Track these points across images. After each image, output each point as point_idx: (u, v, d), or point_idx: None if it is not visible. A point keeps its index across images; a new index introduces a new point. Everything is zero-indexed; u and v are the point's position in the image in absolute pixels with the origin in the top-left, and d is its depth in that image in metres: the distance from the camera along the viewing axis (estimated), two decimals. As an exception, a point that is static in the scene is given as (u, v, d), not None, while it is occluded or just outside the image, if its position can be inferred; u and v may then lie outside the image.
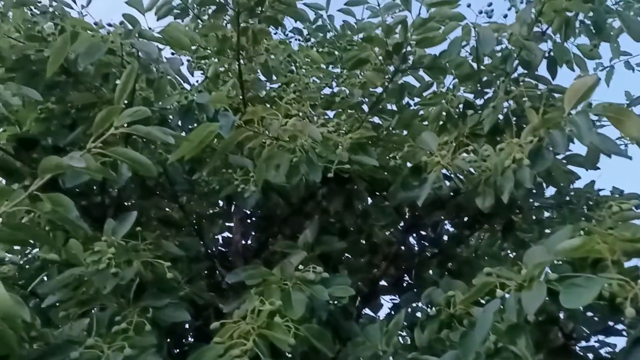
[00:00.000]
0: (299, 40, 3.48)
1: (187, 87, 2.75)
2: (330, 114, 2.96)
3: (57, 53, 2.12)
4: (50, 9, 2.52)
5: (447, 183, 2.16)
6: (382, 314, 2.69)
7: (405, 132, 2.66)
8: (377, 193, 2.47)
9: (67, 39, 2.12)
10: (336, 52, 3.41)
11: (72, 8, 2.61)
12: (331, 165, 2.02)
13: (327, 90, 3.18)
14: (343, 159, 2.04)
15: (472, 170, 2.00)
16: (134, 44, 2.14)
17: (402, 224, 2.61)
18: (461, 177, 1.98)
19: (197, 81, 3.19)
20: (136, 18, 2.25)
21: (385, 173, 2.29)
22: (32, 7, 2.49)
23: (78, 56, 2.10)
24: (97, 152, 1.51)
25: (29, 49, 2.36)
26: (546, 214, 2.53)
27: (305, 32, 3.55)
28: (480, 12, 2.14)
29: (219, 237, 3.07)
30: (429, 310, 1.71)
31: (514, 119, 2.14)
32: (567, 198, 2.44)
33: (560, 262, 1.45)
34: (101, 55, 2.08)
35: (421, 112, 2.65)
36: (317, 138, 1.90)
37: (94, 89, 2.42)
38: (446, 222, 2.66)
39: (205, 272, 2.69)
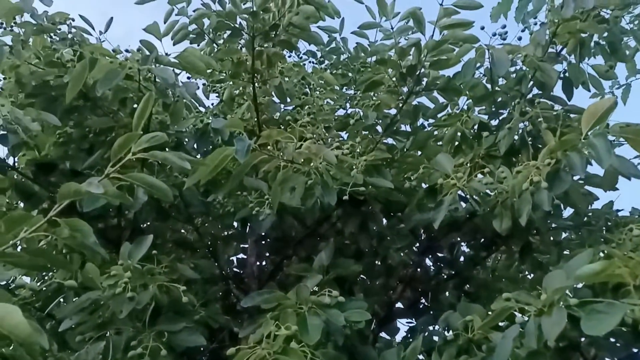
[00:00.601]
0: (313, 62, 3.51)
1: (203, 109, 2.79)
2: (345, 135, 2.98)
3: (76, 79, 2.16)
4: (69, 36, 2.57)
5: (463, 204, 2.15)
6: (398, 337, 2.66)
7: (419, 153, 2.66)
8: (393, 215, 2.46)
9: (85, 65, 2.16)
10: (350, 74, 3.43)
11: (90, 34, 2.67)
12: (346, 187, 2.02)
13: (341, 112, 3.20)
14: (358, 182, 2.04)
15: (488, 192, 1.98)
16: (151, 69, 2.17)
17: (417, 245, 2.59)
18: (477, 199, 1.96)
19: (212, 104, 3.24)
20: (153, 44, 2.29)
21: (401, 195, 2.27)
22: (52, 34, 2.54)
23: (97, 82, 2.14)
24: (115, 177, 1.53)
25: (48, 75, 2.41)
26: (564, 235, 2.49)
27: (319, 54, 3.58)
28: (494, 35, 2.14)
29: (234, 258, 3.08)
30: (446, 334, 1.69)
31: (530, 139, 2.13)
32: (586, 219, 2.41)
33: (581, 286, 1.43)
34: (119, 81, 2.10)
35: (435, 132, 2.65)
36: (332, 161, 1.90)
37: (112, 113, 2.46)
38: (462, 243, 2.64)
39: (220, 294, 2.68)
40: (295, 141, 2.00)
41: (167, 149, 2.59)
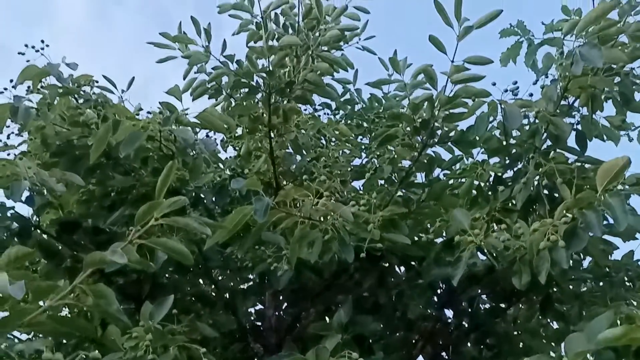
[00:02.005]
0: (328, 114, 3.58)
1: (221, 164, 2.85)
2: (361, 183, 3.02)
3: (99, 141, 2.24)
4: (93, 96, 2.66)
5: (482, 257, 2.14)
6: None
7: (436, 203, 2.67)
8: (410, 268, 2.46)
9: (109, 127, 2.24)
10: (364, 124, 3.49)
11: (113, 92, 2.77)
12: (363, 243, 2.04)
13: (356, 161, 3.25)
14: (375, 237, 2.05)
15: (506, 246, 1.98)
16: (172, 130, 2.24)
17: (437, 298, 2.57)
18: (495, 254, 1.96)
19: (230, 156, 3.31)
20: (174, 105, 2.37)
21: (418, 249, 2.28)
22: (76, 95, 2.63)
23: (119, 143, 2.20)
24: (138, 242, 1.57)
25: (73, 135, 2.49)
26: (585, 287, 2.46)
27: (333, 105, 3.65)
28: (506, 91, 2.18)
29: (252, 310, 3.08)
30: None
31: (546, 191, 2.14)
32: (607, 269, 2.38)
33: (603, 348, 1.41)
34: (141, 142, 2.17)
35: (451, 182, 2.66)
36: (349, 218, 1.93)
37: (133, 171, 2.52)
38: (482, 295, 2.61)
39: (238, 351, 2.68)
40: (312, 198, 2.03)
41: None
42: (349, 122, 3.51)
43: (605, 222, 2.19)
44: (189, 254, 1.63)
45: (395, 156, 2.60)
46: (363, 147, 3.41)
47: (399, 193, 2.57)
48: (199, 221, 1.59)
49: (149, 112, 2.38)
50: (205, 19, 2.68)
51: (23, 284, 1.20)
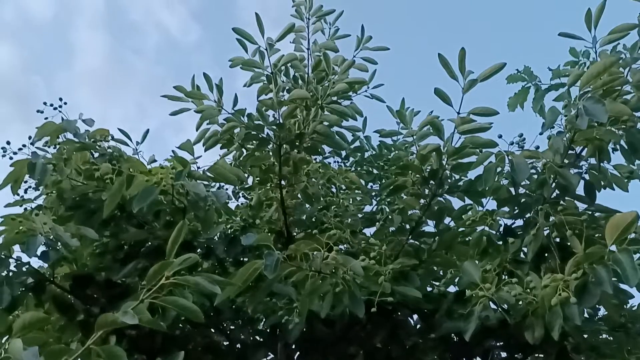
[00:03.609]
0: (338, 162, 3.62)
1: (232, 213, 2.88)
2: (371, 230, 3.02)
3: (113, 196, 2.29)
4: (108, 150, 2.73)
5: (495, 307, 2.12)
6: None
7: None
8: (423, 320, 2.44)
9: (123, 182, 2.30)
10: (374, 171, 3.52)
11: (128, 145, 2.84)
12: (374, 297, 2.04)
13: (367, 208, 3.26)
14: (386, 291, 2.05)
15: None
16: (184, 184, 2.28)
17: (450, 351, 2.53)
18: (507, 307, 1.95)
19: (241, 203, 3.34)
20: (186, 160, 2.41)
21: (430, 303, 2.27)
22: (92, 150, 2.70)
23: (133, 198, 2.25)
24: (149, 300, 1.59)
25: (88, 189, 2.55)
26: (601, 337, 2.42)
27: (343, 153, 3.69)
28: (512, 143, 2.21)
29: (264, 360, 3.05)
30: None
31: (557, 239, 2.13)
32: (622, 319, 2.34)
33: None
34: (154, 198, 2.21)
35: (461, 228, 2.66)
36: (359, 273, 1.93)
37: (146, 224, 2.56)
38: (497, 346, 2.57)
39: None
40: (323, 251, 2.05)
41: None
42: (359, 169, 3.54)
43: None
44: (199, 312, 1.64)
45: (405, 206, 2.61)
46: (374, 193, 3.43)
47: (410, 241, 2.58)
48: (208, 279, 1.62)
49: (162, 165, 2.42)
50: (221, 65, 2.75)
51: (37, 350, 1.22)
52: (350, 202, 3.10)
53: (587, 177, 2.25)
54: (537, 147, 2.16)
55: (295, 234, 3.06)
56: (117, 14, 8.98)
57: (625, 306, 2.39)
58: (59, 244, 2.22)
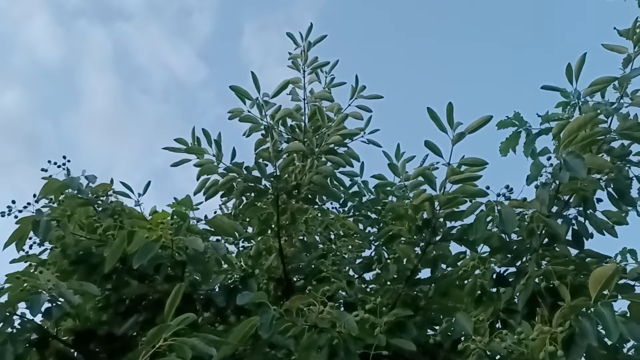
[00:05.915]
0: (336, 207, 3.67)
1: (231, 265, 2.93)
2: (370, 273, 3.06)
3: (114, 252, 2.36)
4: (111, 204, 2.81)
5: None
6: None
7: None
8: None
9: (124, 238, 2.36)
10: (372, 215, 3.57)
11: (129, 197, 2.92)
12: (369, 350, 2.07)
13: (366, 252, 3.30)
14: (381, 344, 2.08)
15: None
16: (183, 240, 2.35)
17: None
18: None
19: (240, 248, 3.39)
20: (186, 214, 2.49)
21: (426, 355, 2.30)
22: (95, 205, 2.78)
23: (134, 254, 2.31)
24: (148, 361, 1.63)
25: (91, 244, 2.62)
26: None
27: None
28: (499, 195, 2.27)
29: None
30: None
31: (550, 285, 2.17)
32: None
33: None
34: (154, 254, 2.27)
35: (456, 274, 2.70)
36: (353, 328, 1.97)
37: (147, 277, 2.62)
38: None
39: None
40: (318, 306, 2.09)
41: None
42: (357, 213, 3.60)
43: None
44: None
45: (400, 254, 2.66)
46: (372, 237, 3.47)
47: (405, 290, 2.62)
48: (205, 340, 1.66)
49: (164, 210, 2.50)
50: (225, 103, 2.84)
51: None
52: (350, 247, 3.15)
53: (575, 225, 2.30)
54: (525, 199, 2.22)
55: (294, 280, 3.11)
56: (124, 56, 9.25)
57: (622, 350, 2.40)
58: (63, 301, 2.27)
